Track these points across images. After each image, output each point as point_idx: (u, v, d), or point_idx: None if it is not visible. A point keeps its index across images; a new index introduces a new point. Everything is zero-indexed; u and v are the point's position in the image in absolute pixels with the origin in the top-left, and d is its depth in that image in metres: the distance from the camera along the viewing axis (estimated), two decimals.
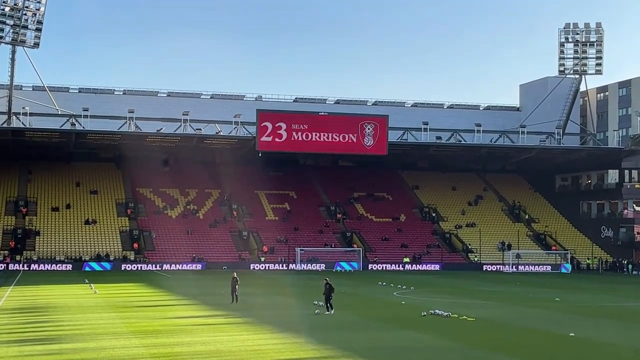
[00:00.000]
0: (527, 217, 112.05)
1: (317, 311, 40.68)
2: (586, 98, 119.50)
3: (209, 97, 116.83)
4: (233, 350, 28.13)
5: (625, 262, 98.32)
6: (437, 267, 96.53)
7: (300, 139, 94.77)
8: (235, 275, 46.50)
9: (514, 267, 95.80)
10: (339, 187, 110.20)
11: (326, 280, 41.13)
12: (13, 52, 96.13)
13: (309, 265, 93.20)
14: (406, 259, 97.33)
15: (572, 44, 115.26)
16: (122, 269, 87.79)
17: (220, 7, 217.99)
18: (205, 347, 28.92)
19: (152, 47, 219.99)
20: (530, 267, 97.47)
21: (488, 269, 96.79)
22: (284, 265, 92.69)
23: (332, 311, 39.75)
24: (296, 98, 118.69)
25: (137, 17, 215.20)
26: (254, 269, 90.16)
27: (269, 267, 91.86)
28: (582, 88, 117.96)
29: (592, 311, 44.83)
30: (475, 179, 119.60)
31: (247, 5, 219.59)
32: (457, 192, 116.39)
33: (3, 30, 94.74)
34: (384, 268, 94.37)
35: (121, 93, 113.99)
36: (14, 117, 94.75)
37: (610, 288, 67.29)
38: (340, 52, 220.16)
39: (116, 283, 64.78)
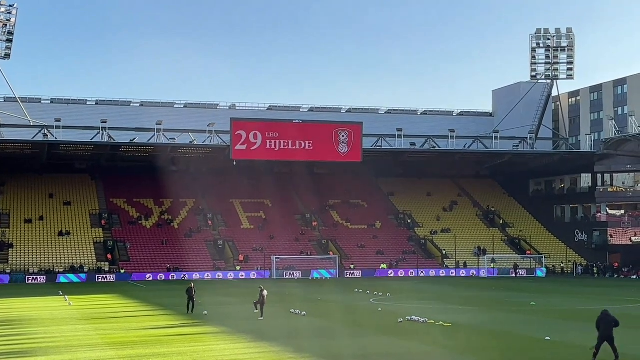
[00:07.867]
0: (501, 222, 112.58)
1: (255, 310, 42.46)
2: (558, 103, 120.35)
3: (182, 106, 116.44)
4: None
5: (601, 265, 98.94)
6: (413, 273, 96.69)
7: (274, 147, 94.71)
8: (192, 285, 47.31)
9: (489, 271, 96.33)
10: (314, 195, 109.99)
11: (261, 287, 42.59)
12: None
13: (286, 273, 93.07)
14: (383, 265, 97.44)
15: (544, 49, 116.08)
16: (97, 280, 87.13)
17: (192, 17, 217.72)
18: (182, 357, 28.77)
19: (124, 56, 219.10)
20: (506, 271, 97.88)
21: (463, 274, 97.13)
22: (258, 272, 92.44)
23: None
24: (270, 106, 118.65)
25: (109, 27, 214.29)
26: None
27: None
28: (554, 93, 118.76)
29: (568, 315, 45.08)
30: (449, 184, 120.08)
31: (219, 14, 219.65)
32: (432, 198, 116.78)
33: None
34: (360, 275, 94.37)
35: (94, 103, 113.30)
36: None
37: (584, 291, 67.70)
38: (313, 59, 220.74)
39: (91, 294, 64.24)
